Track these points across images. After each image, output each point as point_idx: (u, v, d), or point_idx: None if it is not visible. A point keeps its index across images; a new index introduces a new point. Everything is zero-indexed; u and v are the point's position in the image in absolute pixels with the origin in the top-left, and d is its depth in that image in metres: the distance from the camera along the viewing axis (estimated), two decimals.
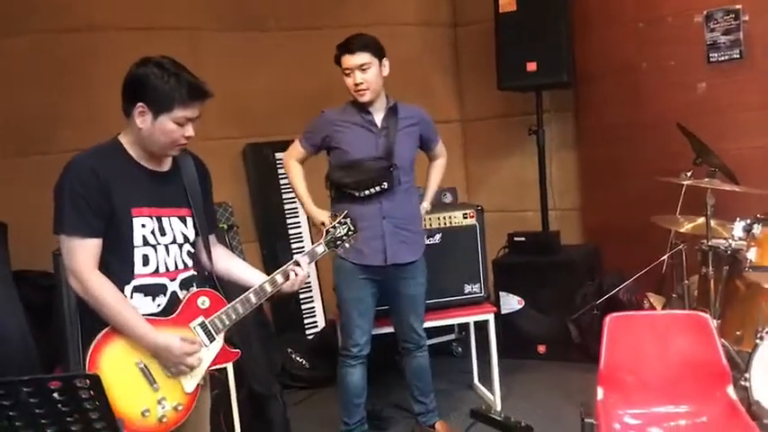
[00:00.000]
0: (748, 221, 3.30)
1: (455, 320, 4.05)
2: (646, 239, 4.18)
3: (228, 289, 2.24)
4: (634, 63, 4.76)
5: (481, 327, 3.96)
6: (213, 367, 2.19)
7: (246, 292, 2.18)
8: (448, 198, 4.38)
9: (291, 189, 3.46)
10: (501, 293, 4.72)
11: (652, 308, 4.29)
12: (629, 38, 4.77)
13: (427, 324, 3.62)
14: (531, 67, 4.57)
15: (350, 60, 3.14)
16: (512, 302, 4.69)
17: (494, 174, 5.50)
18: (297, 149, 3.36)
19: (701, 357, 2.60)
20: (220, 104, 4.60)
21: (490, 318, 3.84)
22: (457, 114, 5.55)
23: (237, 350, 2.22)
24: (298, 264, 2.26)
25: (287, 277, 2.24)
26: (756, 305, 3.56)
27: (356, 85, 3.15)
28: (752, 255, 3.21)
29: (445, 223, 3.90)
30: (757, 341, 2.93)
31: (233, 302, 2.15)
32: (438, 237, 3.88)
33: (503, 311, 4.65)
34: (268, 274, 2.26)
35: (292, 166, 3.37)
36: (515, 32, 4.60)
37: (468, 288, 3.90)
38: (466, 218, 3.94)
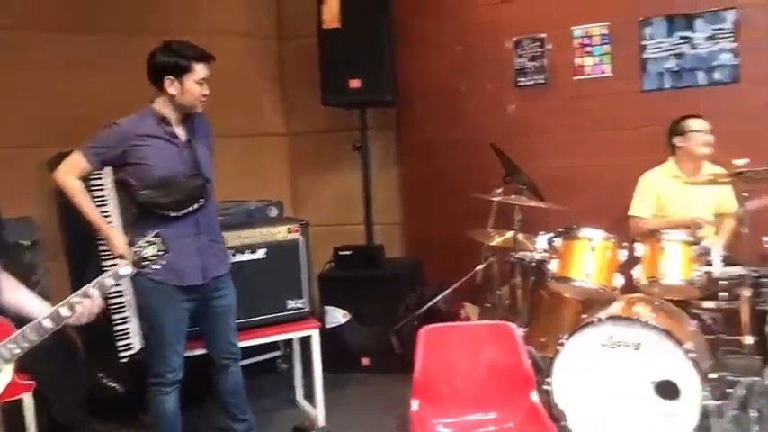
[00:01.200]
0: (551, 235, 3.55)
1: (278, 337, 3.98)
2: (463, 252, 4.37)
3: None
4: (453, 84, 5.01)
5: (306, 342, 3.93)
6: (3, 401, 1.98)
7: (38, 319, 2.00)
8: (273, 212, 4.32)
9: (79, 210, 3.01)
10: (327, 307, 4.73)
11: (468, 318, 4.51)
12: (449, 60, 5.02)
13: (250, 342, 3.52)
14: (355, 84, 4.64)
15: (205, 70, 3.02)
16: (337, 316, 4.72)
17: (320, 188, 5.53)
18: (79, 165, 3.01)
19: (507, 365, 2.75)
20: (27, 110, 4.27)
21: (314, 333, 3.83)
22: (283, 128, 5.52)
23: (31, 382, 2.02)
24: (87, 294, 2.09)
25: (73, 309, 2.07)
26: (559, 313, 3.84)
27: (204, 96, 3.03)
28: (553, 266, 3.45)
29: (270, 238, 3.84)
30: (558, 347, 3.15)
31: (22, 330, 1.96)
32: (262, 252, 3.81)
33: (328, 326, 4.67)
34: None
35: (74, 185, 2.99)
36: (339, 49, 4.66)
37: (291, 303, 3.85)
38: (290, 233, 3.90)
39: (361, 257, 4.84)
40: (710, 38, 4.28)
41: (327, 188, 5.50)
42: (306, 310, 3.89)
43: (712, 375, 3.36)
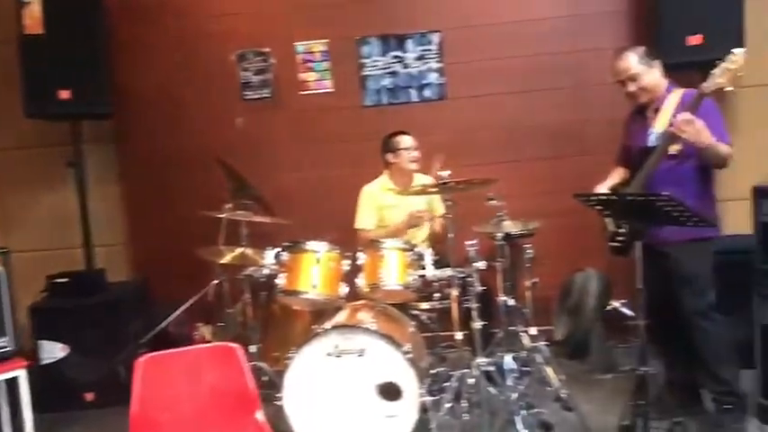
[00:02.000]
0: (278, 249, 3.55)
1: None
2: (195, 271, 4.20)
3: None
4: (177, 96, 4.83)
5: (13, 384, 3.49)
6: None
7: None
8: None
9: None
10: (41, 342, 4.26)
11: (202, 338, 4.35)
12: (172, 71, 4.82)
13: None
14: (65, 95, 4.24)
15: None
16: (54, 350, 4.27)
17: (31, 209, 4.98)
18: None
19: (231, 387, 2.67)
20: None
21: (20, 374, 3.41)
22: None
23: None
24: None
25: None
26: (291, 327, 3.87)
27: None
28: (282, 280, 3.45)
29: None
30: (287, 361, 3.15)
31: None
32: None
33: (44, 362, 4.21)
34: None
35: None
36: (44, 57, 4.23)
37: None
38: None
39: (80, 284, 4.43)
40: (420, 58, 4.62)
41: (40, 209, 4.97)
42: (10, 348, 3.45)
43: (432, 371, 3.62)
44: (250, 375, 2.70)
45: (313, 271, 3.40)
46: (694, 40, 3.92)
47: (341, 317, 3.32)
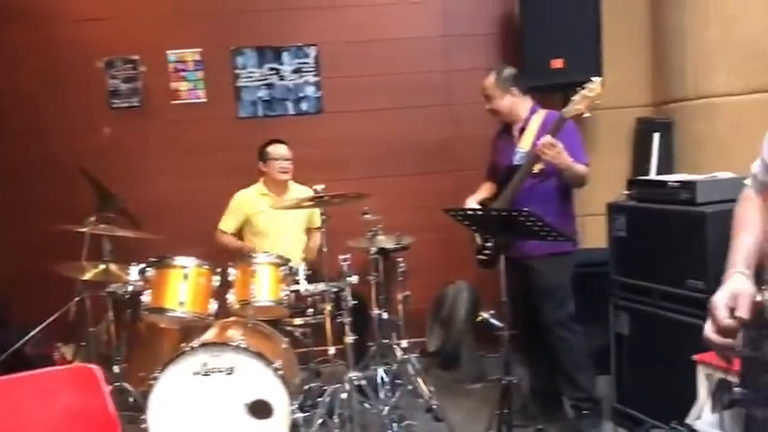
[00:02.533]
0: (143, 265, 3.40)
1: None
2: (56, 288, 3.95)
3: None
4: (41, 102, 4.55)
5: None
6: None
7: None
8: None
9: None
10: None
11: (63, 359, 4.10)
12: (35, 76, 4.54)
13: None
14: None
15: None
16: None
17: None
18: None
19: (89, 411, 2.52)
20: None
21: None
22: None
23: None
24: None
25: None
26: (158, 345, 3.72)
27: None
28: (147, 297, 3.31)
29: None
30: (151, 381, 3.02)
31: None
32: None
33: None
34: None
35: None
36: None
37: None
38: None
39: None
40: (296, 71, 4.61)
41: None
42: None
43: (305, 387, 3.59)
44: (109, 398, 2.56)
45: (180, 287, 3.29)
46: (557, 63, 4.14)
47: (209, 334, 3.22)
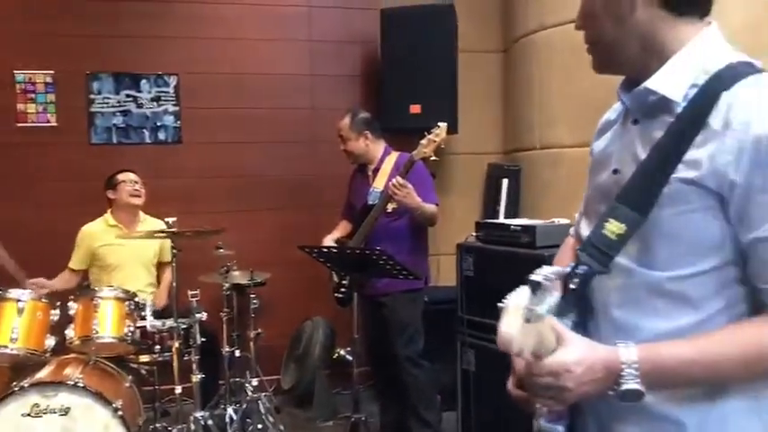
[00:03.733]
0: None
1: None
2: None
3: None
4: None
5: None
6: None
7: None
8: None
9: None
10: None
11: None
12: None
13: None
14: None
15: None
16: None
17: None
18: None
19: None
20: None
21: None
22: None
23: None
24: None
25: None
26: None
27: None
28: None
29: None
30: None
31: None
32: None
33: None
34: None
35: None
36: None
37: None
38: None
39: None
40: (155, 99, 4.49)
41: None
42: None
43: (150, 427, 3.43)
44: None
45: (14, 322, 3.06)
46: (415, 108, 4.31)
47: (44, 372, 3.02)
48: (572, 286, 1.20)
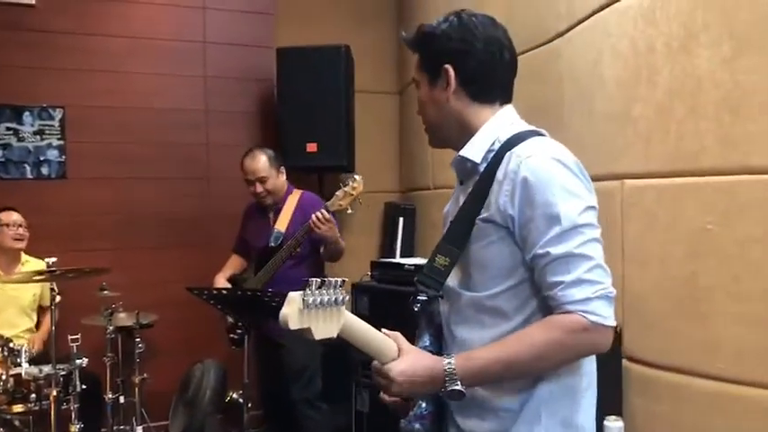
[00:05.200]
0: None
1: None
2: None
3: None
4: None
5: None
6: None
7: None
8: None
9: None
10: None
11: None
12: None
13: None
14: None
15: None
16: None
17: None
18: None
19: None
20: None
21: None
22: None
23: None
24: None
25: None
26: None
27: None
28: None
29: None
30: None
31: None
32: None
33: None
34: None
35: None
36: None
37: None
38: None
39: None
40: (39, 132, 4.28)
41: None
42: None
43: None
44: None
45: None
46: (311, 147, 4.31)
47: None
48: (415, 309, 1.53)
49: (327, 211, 3.21)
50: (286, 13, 4.79)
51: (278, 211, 3.50)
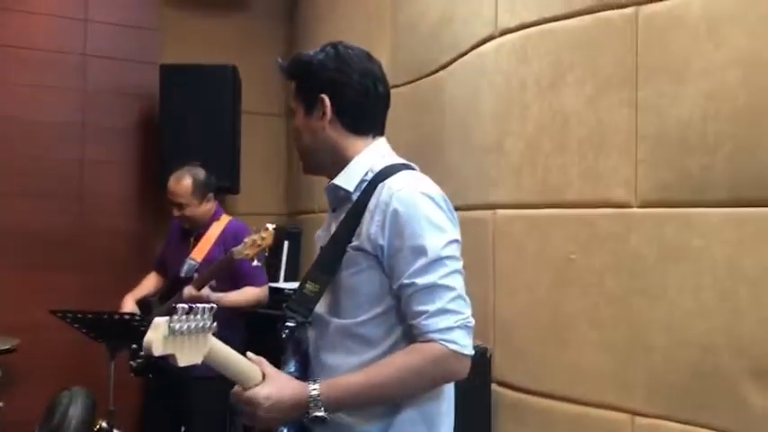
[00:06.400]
0: None
1: None
2: None
3: None
4: None
5: None
6: None
7: None
8: None
9: None
10: None
11: None
12: None
13: None
14: None
15: None
16: None
17: None
18: None
19: None
20: None
21: None
22: None
23: None
24: None
25: None
26: None
27: None
28: None
29: None
30: None
31: None
32: None
33: None
34: None
35: None
36: None
37: None
38: None
39: None
40: None
41: None
42: None
43: None
44: None
45: None
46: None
47: None
48: (283, 335, 1.53)
49: (230, 260, 2.92)
50: (173, 31, 4.66)
51: (198, 237, 3.23)
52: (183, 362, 1.24)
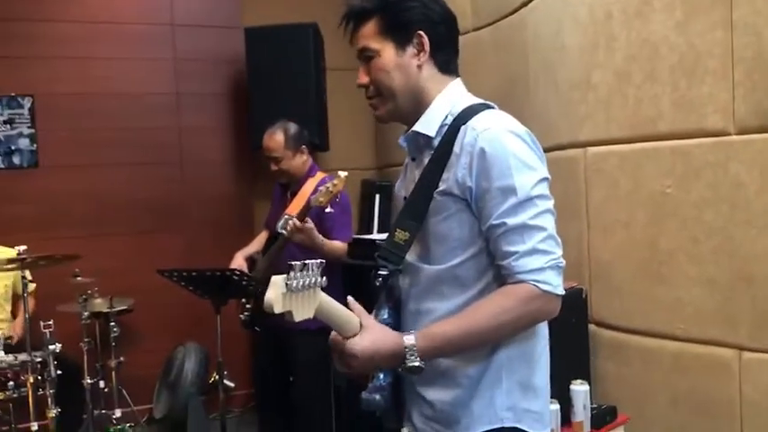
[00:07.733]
0: None
1: None
2: None
3: None
4: None
5: None
6: None
7: None
8: None
9: None
10: None
11: None
12: None
13: None
14: None
15: None
16: None
17: None
18: None
19: None
20: None
21: None
22: None
23: None
24: None
25: None
26: None
27: None
28: None
29: None
30: None
31: None
32: None
33: None
34: None
35: None
36: None
37: None
38: None
39: None
40: (8, 121, 4.25)
41: None
42: None
43: None
44: None
45: None
46: None
47: None
48: (377, 284, 1.52)
49: (308, 207, 2.96)
50: None
51: (294, 193, 3.25)
52: (298, 317, 1.26)
